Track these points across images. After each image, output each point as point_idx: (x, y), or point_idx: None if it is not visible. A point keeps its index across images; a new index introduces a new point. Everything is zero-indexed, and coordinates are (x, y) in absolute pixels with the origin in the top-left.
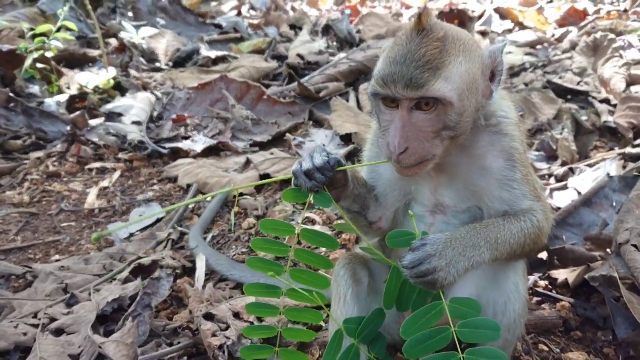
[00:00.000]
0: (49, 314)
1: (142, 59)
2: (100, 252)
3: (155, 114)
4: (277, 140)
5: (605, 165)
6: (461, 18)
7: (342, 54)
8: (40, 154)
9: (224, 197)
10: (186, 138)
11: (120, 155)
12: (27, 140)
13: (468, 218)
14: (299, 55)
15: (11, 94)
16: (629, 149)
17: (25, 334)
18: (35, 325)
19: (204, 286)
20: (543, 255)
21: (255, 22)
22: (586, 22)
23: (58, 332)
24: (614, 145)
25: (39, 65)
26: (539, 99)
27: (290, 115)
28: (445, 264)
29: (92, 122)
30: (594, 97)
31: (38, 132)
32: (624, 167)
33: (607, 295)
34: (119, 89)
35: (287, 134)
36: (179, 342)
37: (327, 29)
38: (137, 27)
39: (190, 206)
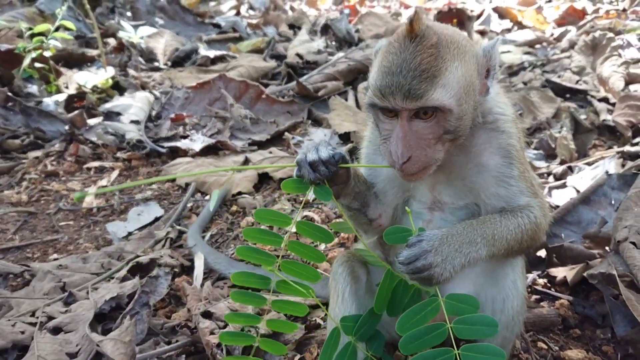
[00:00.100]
0: (47, 313)
1: (140, 59)
2: (99, 251)
3: (153, 113)
4: (276, 140)
5: (604, 164)
6: (460, 17)
7: (340, 54)
8: (38, 153)
9: (222, 196)
10: (185, 137)
11: (118, 154)
12: (25, 139)
13: (466, 215)
14: (297, 55)
15: (9, 94)
16: (627, 148)
17: (23, 332)
18: (33, 324)
19: (202, 285)
20: (542, 253)
21: (254, 22)
22: (585, 21)
23: (56, 330)
24: (612, 144)
25: (37, 65)
26: (537, 98)
27: (289, 114)
28: (442, 260)
29: (91, 121)
30: (592, 96)
31: (36, 131)
32: (623, 165)
33: (606, 293)
34: (118, 88)
35: (286, 133)
36: (177, 341)
37: (326, 29)
38: (135, 27)
39: (189, 205)
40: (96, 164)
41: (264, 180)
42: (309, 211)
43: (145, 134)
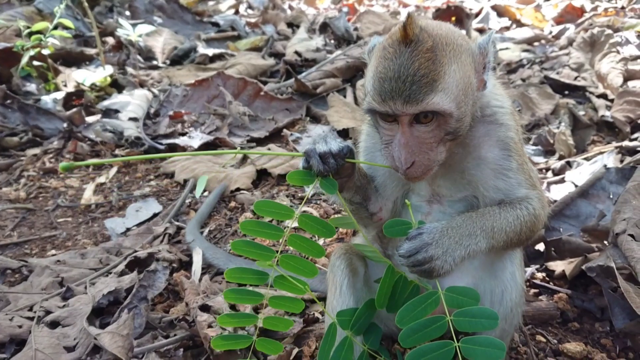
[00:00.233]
0: (45, 307)
1: (139, 57)
2: (97, 247)
3: (152, 111)
4: (275, 137)
5: (603, 159)
6: (458, 15)
7: (339, 52)
8: (36, 150)
9: (221, 192)
10: (183, 135)
11: (117, 151)
12: (23, 137)
13: (464, 207)
14: (296, 53)
15: (8, 92)
16: (626, 143)
17: (20, 326)
18: (31, 318)
19: (200, 279)
20: (540, 246)
21: (252, 20)
22: (583, 19)
23: (53, 324)
24: (611, 140)
25: (35, 63)
26: (536, 94)
27: (287, 111)
28: (442, 252)
29: (89, 119)
30: (591, 92)
31: (35, 129)
32: (622, 161)
33: (605, 286)
34: (116, 86)
35: (285, 130)
36: (175, 335)
37: (324, 27)
38: (134, 26)
39: (187, 201)
40: (94, 161)
41: (262, 176)
42: (308, 206)
43: (143, 132)
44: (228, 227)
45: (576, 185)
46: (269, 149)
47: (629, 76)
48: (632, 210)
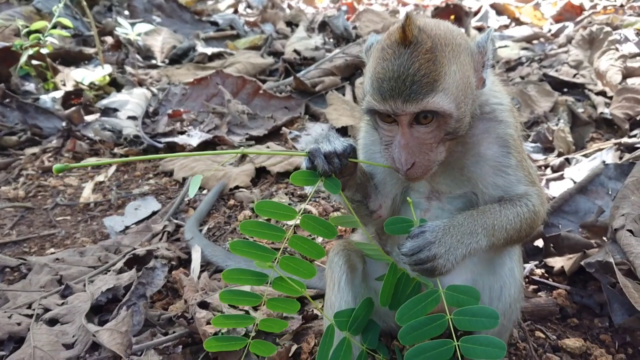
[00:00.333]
0: (43, 305)
1: (138, 56)
2: (96, 245)
3: (151, 109)
4: (274, 135)
5: (602, 156)
6: (457, 14)
7: (338, 50)
8: (35, 149)
9: (220, 190)
10: (182, 133)
11: (116, 150)
12: (22, 136)
13: (463, 203)
14: (295, 51)
15: (7, 91)
16: (625, 139)
17: (19, 324)
18: (30, 316)
19: (199, 277)
20: (539, 243)
21: (251, 19)
22: (582, 17)
23: (52, 322)
24: (610, 137)
25: (34, 62)
26: (535, 92)
27: (286, 109)
28: (445, 251)
29: (88, 118)
30: (590, 90)
31: (33, 128)
32: (620, 157)
33: (603, 282)
34: (115, 85)
35: (283, 128)
36: (174, 332)
37: (323, 26)
38: (133, 25)
39: (186, 199)
40: (93, 159)
41: (261, 174)
42: (307, 204)
43: (142, 130)
44: (227, 224)
45: (575, 182)
46: (268, 147)
47: (627, 73)
48: (630, 205)
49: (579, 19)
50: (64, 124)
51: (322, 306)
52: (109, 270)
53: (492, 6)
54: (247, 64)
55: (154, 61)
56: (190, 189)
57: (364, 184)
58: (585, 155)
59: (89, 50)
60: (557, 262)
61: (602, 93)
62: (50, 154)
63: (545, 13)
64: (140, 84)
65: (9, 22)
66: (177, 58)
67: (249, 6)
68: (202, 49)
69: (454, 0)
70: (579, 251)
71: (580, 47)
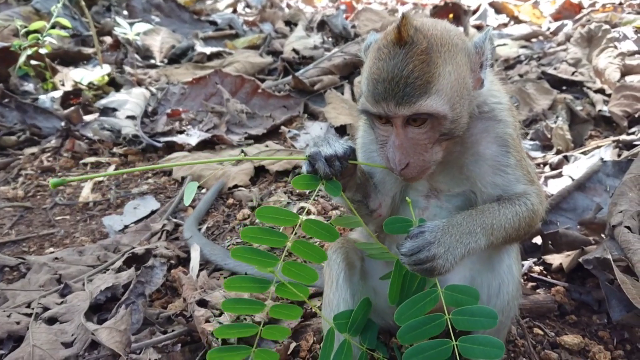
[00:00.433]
0: (43, 304)
1: (137, 56)
2: (95, 244)
3: (150, 109)
4: (272, 134)
5: (600, 153)
6: (456, 12)
7: (336, 49)
8: (34, 149)
9: (219, 189)
10: (181, 132)
11: (115, 149)
12: (21, 136)
13: (462, 201)
14: (294, 50)
15: (6, 91)
16: (623, 137)
17: (18, 323)
18: (29, 315)
19: (198, 275)
20: (537, 240)
21: (250, 19)
22: (581, 15)
23: (51, 321)
24: (609, 134)
25: (33, 62)
26: (534, 90)
27: (285, 108)
28: (444, 251)
29: (87, 117)
30: (588, 87)
31: (32, 128)
32: (619, 155)
33: (601, 278)
34: (114, 85)
35: (282, 127)
36: (173, 330)
37: (322, 25)
38: (131, 25)
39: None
40: (92, 159)
41: (260, 173)
42: (306, 202)
43: (141, 129)
44: (226, 223)
45: (573, 179)
46: (266, 146)
47: (626, 71)
48: (628, 202)
49: (577, 17)
50: (62, 123)
51: (321, 304)
52: (108, 269)
53: (491, 4)
54: (245, 63)
55: (152, 61)
56: (185, 197)
57: (363, 183)
58: (584, 153)
59: (88, 50)
60: (556, 259)
61: (600, 91)
62: (49, 154)
63: (544, 11)
64: (139, 83)
65: (7, 23)
66: (175, 58)
67: (247, 5)
68: (200, 48)
69: None
70: (577, 248)
71: (578, 45)
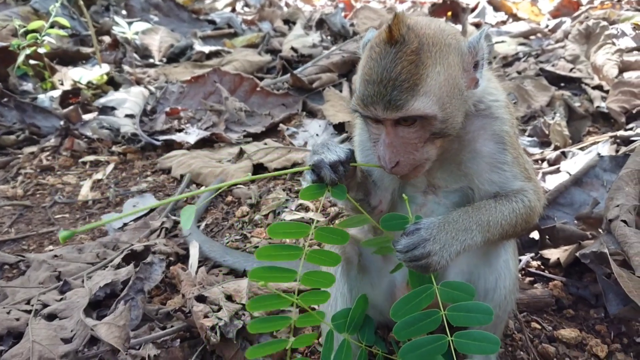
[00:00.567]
0: (42, 301)
1: (135, 55)
2: (94, 242)
3: (148, 108)
4: (271, 132)
5: (598, 149)
6: (454, 10)
7: (335, 47)
8: (33, 148)
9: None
10: (180, 131)
11: (114, 148)
12: (20, 135)
13: (459, 197)
14: (292, 49)
15: (5, 90)
16: (621, 132)
17: (18, 319)
18: (28, 311)
19: (196, 272)
20: (535, 235)
21: (249, 18)
22: (580, 12)
23: (51, 317)
24: (607, 130)
25: (31, 62)
26: (532, 86)
27: (283, 106)
28: (439, 248)
29: (86, 116)
30: (586, 84)
31: (31, 127)
32: (617, 150)
33: (598, 272)
34: (113, 84)
35: (281, 125)
36: (172, 326)
37: (321, 23)
38: (130, 24)
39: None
40: (91, 157)
41: (258, 171)
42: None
43: (140, 128)
44: (225, 220)
45: (571, 175)
46: (265, 144)
47: (624, 67)
48: (625, 196)
49: (576, 14)
50: (61, 122)
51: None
52: (107, 266)
53: (490, 2)
54: (244, 62)
55: (151, 60)
56: (182, 222)
57: (363, 182)
58: (582, 149)
59: (87, 50)
60: (553, 254)
61: (598, 87)
62: (48, 153)
63: (543, 9)
64: (138, 82)
65: (6, 22)
66: (174, 57)
67: (246, 5)
68: (199, 47)
69: None
70: (575, 243)
71: (576, 41)
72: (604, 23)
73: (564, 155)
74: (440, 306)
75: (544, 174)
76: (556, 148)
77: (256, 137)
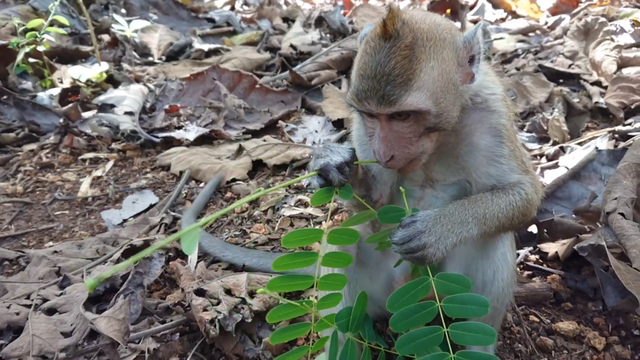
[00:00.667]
0: (42, 295)
1: (134, 53)
2: (94, 238)
3: (148, 105)
4: (270, 128)
5: (596, 144)
6: (453, 7)
7: (334, 44)
8: (33, 146)
9: (217, 182)
10: (179, 128)
11: (113, 145)
12: (20, 133)
13: (457, 191)
14: (292, 46)
15: (4, 88)
16: (619, 127)
17: (17, 314)
18: (28, 306)
19: (196, 266)
20: (533, 228)
21: (248, 16)
22: (579, 9)
23: (50, 311)
24: (605, 126)
25: (31, 60)
26: (530, 82)
27: (282, 103)
28: (435, 240)
29: (85, 114)
30: (585, 80)
31: (31, 125)
32: (615, 146)
33: (596, 265)
34: (112, 82)
35: (280, 122)
36: (171, 320)
37: (320, 21)
38: (129, 22)
39: (183, 192)
40: (91, 155)
41: (258, 167)
42: (304, 195)
43: (139, 125)
44: (224, 216)
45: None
46: (264, 141)
47: (622, 63)
48: (622, 189)
49: (575, 11)
50: (61, 120)
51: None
52: (107, 262)
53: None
54: (243, 60)
55: (150, 58)
56: (184, 246)
57: (364, 178)
58: (580, 144)
59: (86, 48)
60: (551, 248)
61: (597, 83)
62: (47, 150)
63: (542, 6)
64: (137, 80)
65: (5, 21)
66: (173, 55)
67: (245, 3)
68: (198, 45)
69: None
70: (573, 236)
71: (575, 38)
72: (603, 19)
73: (562, 150)
74: (437, 298)
75: (543, 169)
76: (555, 143)
77: (255, 133)
